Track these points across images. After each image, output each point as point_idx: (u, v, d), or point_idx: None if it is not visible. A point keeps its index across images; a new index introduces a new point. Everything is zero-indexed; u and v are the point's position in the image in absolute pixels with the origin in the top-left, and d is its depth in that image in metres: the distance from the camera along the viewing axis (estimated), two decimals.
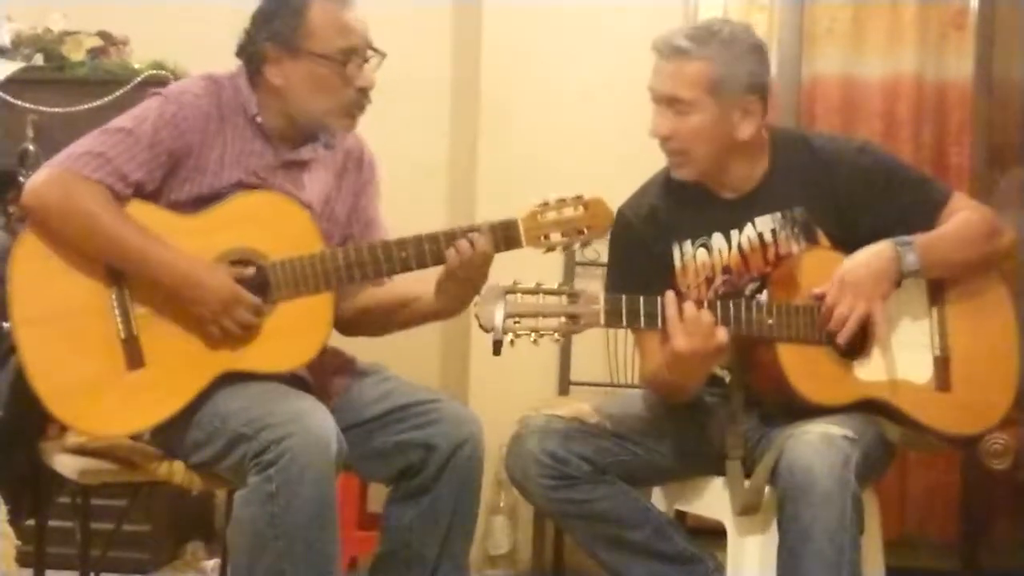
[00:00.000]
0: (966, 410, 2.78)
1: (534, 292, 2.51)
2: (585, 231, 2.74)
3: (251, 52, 2.75)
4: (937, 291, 2.81)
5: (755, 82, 2.75)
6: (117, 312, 2.59)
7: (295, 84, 2.72)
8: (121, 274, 2.60)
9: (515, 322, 2.48)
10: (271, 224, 2.69)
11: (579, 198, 2.73)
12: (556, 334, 2.52)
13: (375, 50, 2.76)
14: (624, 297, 2.60)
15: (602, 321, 2.57)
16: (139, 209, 2.63)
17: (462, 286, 2.68)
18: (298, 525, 2.46)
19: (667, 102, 2.73)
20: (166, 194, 2.67)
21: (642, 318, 2.60)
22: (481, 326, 2.50)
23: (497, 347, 2.48)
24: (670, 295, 2.60)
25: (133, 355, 2.58)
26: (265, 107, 2.75)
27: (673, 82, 2.71)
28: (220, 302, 2.58)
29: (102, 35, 4.14)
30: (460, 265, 2.63)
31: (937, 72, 4.16)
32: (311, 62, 2.71)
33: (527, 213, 2.70)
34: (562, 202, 2.72)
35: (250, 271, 2.64)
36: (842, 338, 2.66)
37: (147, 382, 2.58)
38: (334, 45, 2.71)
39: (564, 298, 2.53)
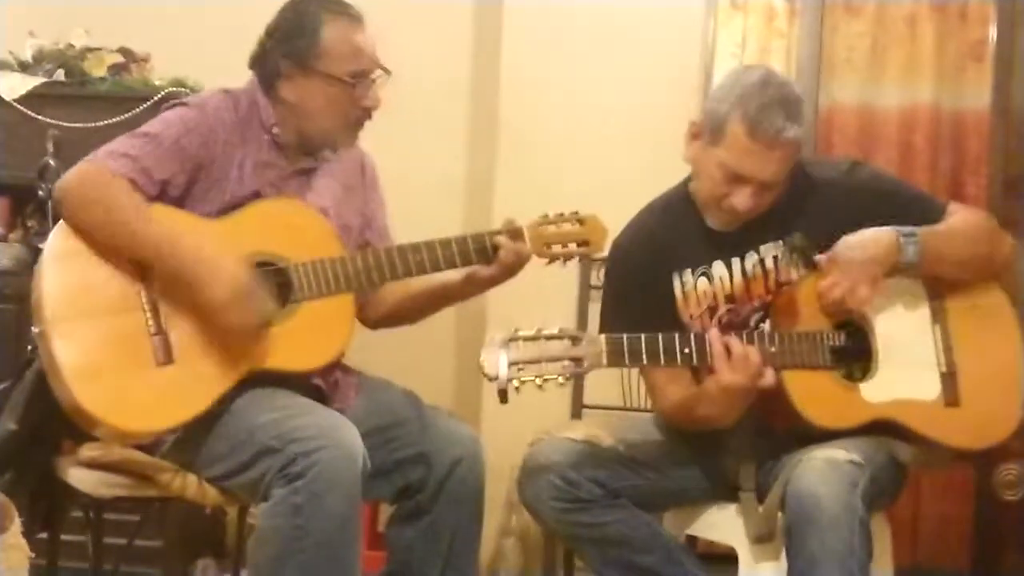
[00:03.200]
0: (976, 424, 2.77)
1: (535, 338, 2.52)
2: (584, 245, 2.85)
3: (265, 67, 2.82)
4: (939, 307, 2.81)
5: None
6: (146, 307, 2.61)
7: (306, 101, 2.79)
8: (148, 270, 2.62)
9: (519, 369, 2.49)
10: (292, 229, 2.74)
11: (575, 213, 2.86)
12: (560, 378, 2.52)
13: (383, 68, 2.82)
14: (625, 337, 2.60)
15: (604, 362, 2.57)
16: (164, 211, 2.66)
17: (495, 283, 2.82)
18: (323, 539, 2.48)
19: (764, 185, 2.69)
20: (189, 204, 2.71)
21: (644, 356, 2.61)
22: (485, 375, 2.50)
23: (503, 395, 2.50)
24: (714, 332, 2.62)
25: (162, 351, 2.59)
26: (280, 119, 2.81)
27: (782, 167, 2.68)
28: (235, 291, 2.58)
29: (123, 52, 4.16)
30: (505, 272, 2.77)
31: (955, 102, 4.17)
32: (322, 82, 2.77)
33: (531, 223, 2.81)
34: (560, 216, 2.85)
35: (272, 275, 2.68)
36: (821, 301, 2.67)
37: (177, 378, 2.60)
38: (345, 67, 2.77)
39: (567, 341, 2.54)
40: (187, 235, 2.62)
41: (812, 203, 2.79)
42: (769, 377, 2.61)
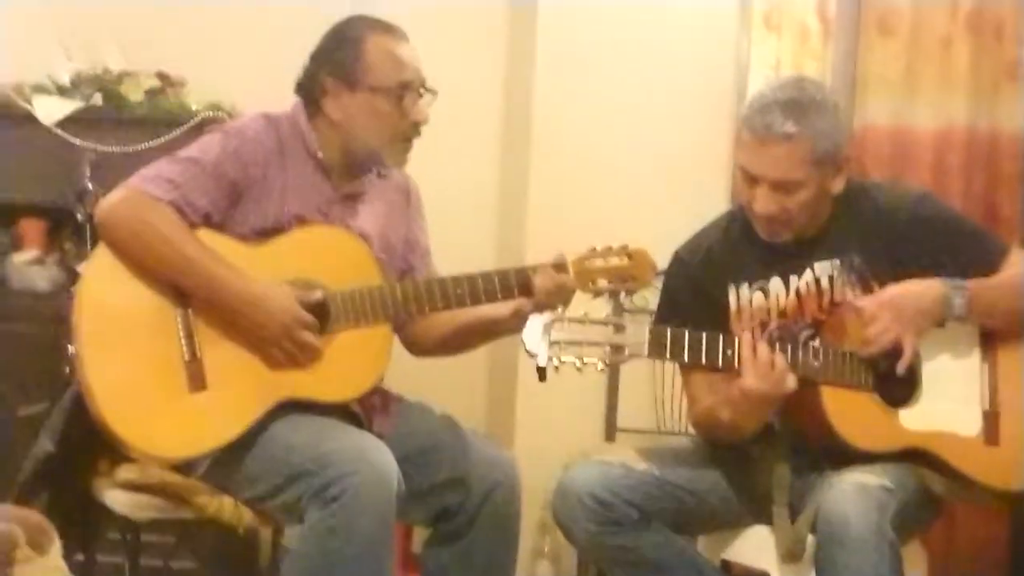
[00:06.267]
0: (1013, 465, 2.75)
1: (581, 321, 2.55)
2: (631, 280, 2.82)
3: (311, 87, 2.82)
4: (990, 345, 2.80)
5: (845, 139, 2.78)
6: (182, 333, 2.63)
7: (353, 116, 2.80)
8: (186, 295, 2.65)
9: (560, 348, 2.52)
10: (332, 257, 2.75)
11: (624, 247, 2.84)
12: (600, 363, 2.55)
13: (428, 88, 2.83)
14: (669, 329, 2.62)
15: (646, 352, 2.59)
16: (205, 236, 2.68)
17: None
18: (356, 561, 2.49)
19: (774, 185, 2.70)
20: (230, 227, 2.73)
21: (686, 352, 2.62)
22: (527, 351, 2.54)
23: (542, 373, 2.52)
24: (746, 336, 2.64)
25: (196, 377, 2.62)
26: (324, 142, 2.82)
27: (783, 167, 2.69)
28: (282, 324, 2.63)
29: (160, 75, 4.18)
30: (546, 306, 2.72)
31: (989, 122, 4.14)
32: (369, 95, 2.78)
33: (576, 257, 2.79)
34: (608, 250, 2.84)
35: (315, 295, 2.70)
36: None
37: (208, 405, 2.62)
38: (391, 79, 2.78)
39: (610, 328, 2.56)
40: (234, 272, 2.64)
41: (872, 226, 2.81)
42: (791, 382, 2.60)
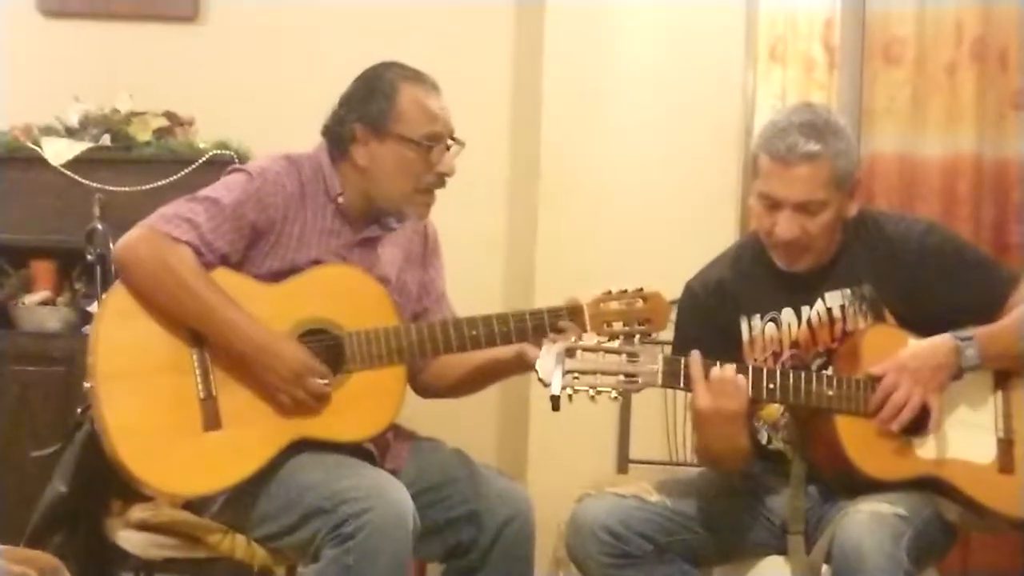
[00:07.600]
0: None
1: (594, 350, 2.55)
2: (646, 323, 2.83)
3: (339, 132, 2.82)
4: (1003, 373, 2.79)
5: (858, 161, 2.80)
6: (198, 372, 2.64)
7: (380, 165, 2.79)
8: (203, 334, 2.65)
9: (574, 377, 2.51)
10: (348, 296, 2.75)
11: (639, 291, 2.84)
12: (614, 392, 2.54)
13: (455, 139, 2.83)
14: (683, 359, 2.62)
15: (659, 381, 2.59)
16: (223, 275, 2.69)
17: None
18: None
19: (798, 207, 2.71)
20: (247, 268, 2.73)
21: None
22: (540, 380, 2.52)
23: (555, 402, 2.51)
24: (694, 355, 2.62)
25: (211, 416, 2.62)
26: (347, 186, 2.81)
27: (808, 187, 2.70)
28: (292, 372, 2.62)
29: (168, 115, 4.20)
30: None
31: (996, 151, 4.15)
32: (398, 144, 2.78)
33: (591, 300, 2.79)
34: (623, 293, 2.84)
35: (325, 343, 2.70)
36: (896, 426, 2.66)
37: (223, 444, 2.62)
38: (421, 130, 2.78)
39: (624, 357, 2.56)
40: (249, 319, 2.64)
41: (884, 257, 2.81)
42: (740, 393, 2.60)
